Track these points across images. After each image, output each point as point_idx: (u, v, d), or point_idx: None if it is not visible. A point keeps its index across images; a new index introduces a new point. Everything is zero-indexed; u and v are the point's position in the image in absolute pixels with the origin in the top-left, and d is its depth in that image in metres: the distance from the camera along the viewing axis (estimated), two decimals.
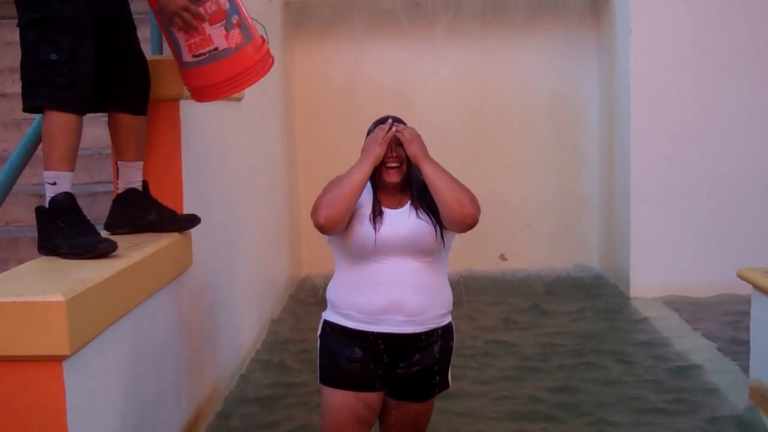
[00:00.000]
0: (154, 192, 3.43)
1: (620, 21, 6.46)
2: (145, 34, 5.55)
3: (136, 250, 3.03)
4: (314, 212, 2.88)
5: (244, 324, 4.89)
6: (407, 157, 2.96)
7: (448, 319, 2.99)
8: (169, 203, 3.47)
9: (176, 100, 3.57)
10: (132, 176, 3.33)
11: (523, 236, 7.33)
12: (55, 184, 2.96)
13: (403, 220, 2.87)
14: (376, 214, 2.88)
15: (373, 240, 2.84)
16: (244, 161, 5.01)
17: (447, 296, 2.97)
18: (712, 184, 6.24)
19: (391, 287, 2.85)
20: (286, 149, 6.61)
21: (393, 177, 2.95)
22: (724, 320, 5.61)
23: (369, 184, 2.97)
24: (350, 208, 2.84)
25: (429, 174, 2.84)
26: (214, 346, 4.12)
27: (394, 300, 2.84)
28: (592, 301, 6.34)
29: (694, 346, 5.09)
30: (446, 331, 2.97)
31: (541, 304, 6.25)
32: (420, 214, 2.89)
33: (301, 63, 7.26)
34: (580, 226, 7.30)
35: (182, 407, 3.54)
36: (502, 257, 7.31)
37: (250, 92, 5.00)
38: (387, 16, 7.13)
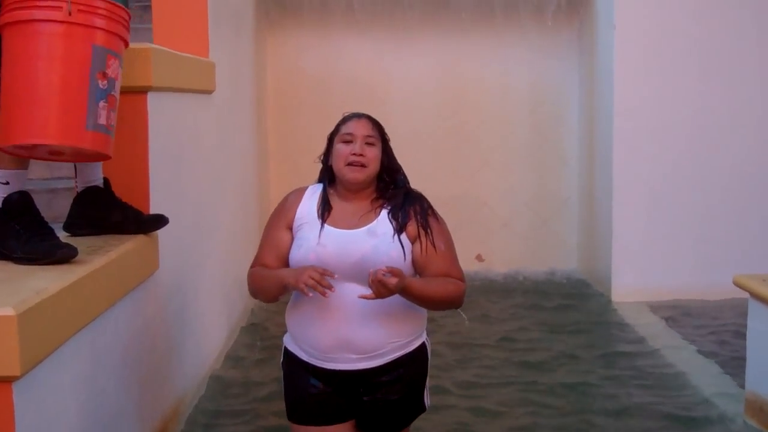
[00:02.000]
0: (118, 190, 3.19)
1: (602, 16, 6.29)
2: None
3: (99, 255, 2.79)
4: (247, 282, 2.73)
5: (212, 328, 4.65)
6: (384, 148, 2.72)
7: (417, 343, 2.70)
8: (135, 202, 3.23)
9: (144, 92, 3.33)
10: (91, 174, 3.08)
11: (500, 236, 7.14)
12: (7, 183, 2.72)
13: (358, 242, 2.57)
14: (317, 237, 2.60)
15: (312, 263, 2.54)
16: (215, 156, 4.76)
17: (412, 322, 2.66)
18: (698, 185, 6.09)
19: (338, 322, 2.57)
20: (258, 144, 6.37)
21: (354, 174, 2.65)
22: (713, 326, 5.46)
23: (320, 187, 2.76)
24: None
25: (413, 298, 2.54)
26: (181, 355, 3.88)
27: (341, 337, 2.57)
28: (572, 304, 6.15)
29: (681, 355, 4.90)
30: (415, 357, 2.68)
31: (518, 307, 6.07)
32: (385, 233, 2.59)
33: (274, 55, 7.01)
34: (559, 226, 7.13)
35: (146, 421, 3.29)
36: (479, 258, 7.12)
37: (221, 84, 4.79)
38: (362, 7, 6.90)
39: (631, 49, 6.00)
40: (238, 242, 5.51)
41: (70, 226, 3.13)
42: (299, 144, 6.84)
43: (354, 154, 2.64)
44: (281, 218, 2.74)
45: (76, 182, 3.14)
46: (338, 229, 2.63)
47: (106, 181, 3.13)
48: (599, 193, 6.44)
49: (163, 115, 3.54)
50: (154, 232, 3.30)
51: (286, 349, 2.74)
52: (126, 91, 3.15)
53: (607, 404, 4.15)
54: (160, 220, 3.23)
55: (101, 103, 2.38)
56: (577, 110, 7.01)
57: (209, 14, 4.63)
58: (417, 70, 7.05)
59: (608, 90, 6.11)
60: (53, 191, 4.45)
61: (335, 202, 2.71)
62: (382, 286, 2.42)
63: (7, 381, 2.07)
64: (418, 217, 2.65)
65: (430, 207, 2.72)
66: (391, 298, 2.49)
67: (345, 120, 2.76)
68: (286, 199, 2.80)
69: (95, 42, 2.43)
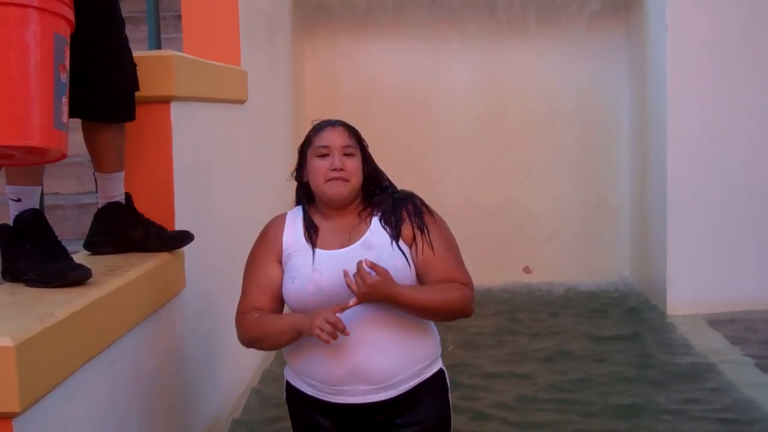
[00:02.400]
0: (141, 206, 3.02)
1: (654, 16, 6.00)
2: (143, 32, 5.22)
3: (116, 275, 2.61)
4: (238, 329, 2.47)
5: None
6: (364, 156, 2.47)
7: (435, 368, 2.46)
8: (159, 218, 3.06)
9: (167, 102, 3.16)
10: (113, 189, 2.90)
11: (548, 247, 6.87)
12: (19, 200, 2.55)
13: (355, 259, 2.29)
14: (310, 264, 2.35)
15: (308, 298, 2.34)
16: (249, 168, 4.58)
17: (428, 344, 2.43)
18: (757, 191, 5.75)
19: (346, 350, 2.31)
20: (295, 156, 6.18)
21: (337, 189, 2.40)
22: None
23: (300, 209, 2.52)
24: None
25: (408, 309, 2.32)
26: (213, 375, 3.69)
27: (353, 367, 2.32)
28: (625, 317, 5.87)
29: (746, 376, 4.56)
30: (435, 383, 2.45)
31: (566, 321, 5.80)
32: (382, 242, 2.35)
33: (312, 63, 6.85)
34: (610, 236, 6.84)
35: None
36: (526, 270, 6.87)
37: (254, 93, 4.62)
38: (402, 14, 6.71)
39: (685, 51, 5.69)
40: None
41: (91, 244, 2.96)
42: None
43: (333, 169, 2.40)
44: (267, 251, 2.48)
45: (97, 197, 2.99)
46: (330, 251, 2.39)
47: (128, 196, 2.96)
48: (652, 202, 6.14)
49: (188, 125, 3.37)
50: (180, 250, 3.12)
51: (288, 383, 2.51)
52: (148, 101, 3.02)
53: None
54: (184, 237, 3.05)
55: (63, 99, 2.14)
56: (627, 114, 6.73)
57: (240, 21, 4.47)
58: (459, 76, 6.83)
59: (661, 93, 5.82)
60: (83, 206, 4.33)
61: (320, 222, 2.47)
62: (365, 285, 2.22)
63: (7, 418, 1.88)
64: (412, 217, 2.42)
65: (424, 204, 2.48)
66: (400, 316, 2.31)
67: (317, 130, 2.50)
68: (266, 229, 2.55)
69: (57, 30, 2.12)
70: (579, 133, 6.83)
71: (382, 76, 6.83)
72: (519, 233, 6.82)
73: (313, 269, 2.36)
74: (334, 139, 2.45)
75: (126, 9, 5.49)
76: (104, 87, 2.77)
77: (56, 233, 3.97)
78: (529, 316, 5.97)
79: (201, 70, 3.60)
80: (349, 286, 2.25)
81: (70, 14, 2.17)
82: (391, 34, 6.80)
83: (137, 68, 2.89)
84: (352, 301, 2.26)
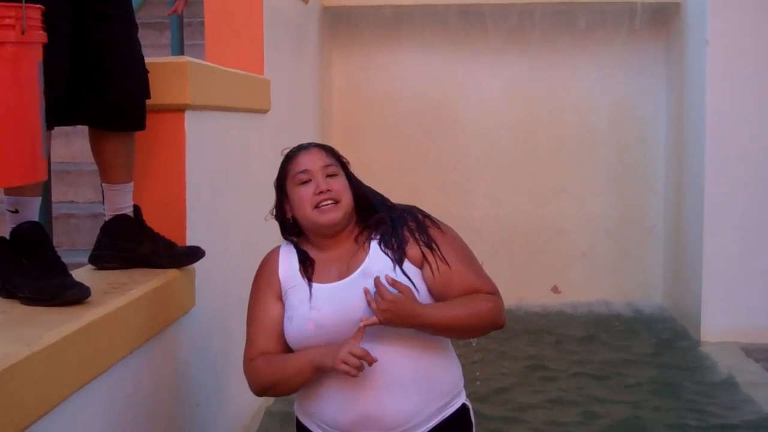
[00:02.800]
0: (151, 219, 2.87)
1: (694, 30, 5.79)
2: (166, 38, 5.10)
3: (118, 294, 2.46)
4: (249, 379, 2.26)
5: None
6: (347, 174, 2.27)
7: (457, 403, 2.23)
8: (170, 233, 2.91)
9: (181, 110, 3.01)
10: (121, 201, 2.76)
11: (578, 267, 6.66)
12: (17, 211, 2.41)
13: (354, 290, 2.11)
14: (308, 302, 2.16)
15: (309, 338, 2.15)
16: (269, 182, 4.40)
17: (448, 377, 2.21)
18: None
19: (357, 393, 2.10)
20: None
21: (330, 215, 2.19)
22: None
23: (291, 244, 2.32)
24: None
25: (436, 329, 2.12)
26: (224, 398, 3.53)
27: (365, 413, 2.11)
28: (656, 343, 5.65)
29: None
30: (458, 421, 2.22)
31: (595, 345, 5.59)
32: (383, 268, 2.12)
33: (339, 73, 6.70)
34: (643, 257, 6.62)
35: None
36: (555, 289, 6.66)
37: (278, 103, 4.47)
38: (432, 24, 6.54)
39: (726, 67, 5.47)
40: None
41: (96, 258, 2.82)
42: (366, 168, 6.41)
43: (320, 192, 2.19)
44: (266, 290, 2.27)
45: (104, 210, 2.84)
46: (328, 284, 2.18)
47: (136, 208, 2.82)
48: (688, 223, 5.92)
49: (204, 135, 3.22)
50: (190, 266, 2.96)
51: (298, 421, 2.30)
52: (161, 110, 2.88)
53: None
54: (195, 253, 2.90)
55: (44, 124, 1.99)
56: (663, 132, 6.51)
57: (265, 29, 4.33)
58: (490, 88, 6.66)
59: (699, 111, 5.60)
60: (98, 216, 4.17)
61: (315, 254, 2.26)
62: (385, 301, 2.03)
63: None
64: (416, 233, 2.19)
65: (427, 217, 2.26)
66: (415, 348, 2.11)
67: (291, 158, 2.31)
68: (262, 266, 2.35)
69: (39, 58, 1.98)
70: (613, 150, 6.63)
71: (412, 87, 6.67)
72: (549, 251, 6.61)
73: (311, 306, 2.17)
74: (311, 161, 2.25)
75: (153, 15, 5.44)
76: (113, 93, 2.64)
77: (68, 243, 3.86)
78: (556, 339, 5.75)
79: (219, 77, 3.45)
80: (369, 303, 2.07)
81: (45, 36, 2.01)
82: (420, 45, 6.64)
83: (149, 75, 2.74)
84: (371, 319, 2.08)
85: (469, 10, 6.46)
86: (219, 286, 3.40)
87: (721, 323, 5.52)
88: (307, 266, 2.24)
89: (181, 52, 4.17)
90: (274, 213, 2.40)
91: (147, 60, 2.80)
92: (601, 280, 6.60)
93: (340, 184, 2.22)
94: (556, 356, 5.35)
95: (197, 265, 2.99)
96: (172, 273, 2.82)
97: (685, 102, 6.00)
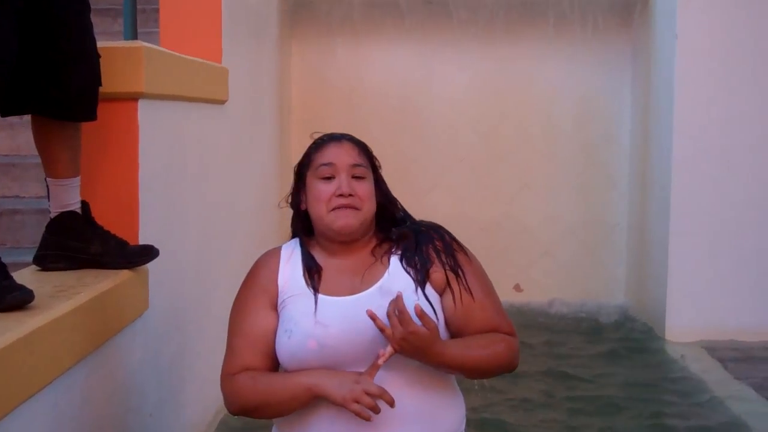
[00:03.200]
0: (101, 216, 2.67)
1: (662, 23, 5.68)
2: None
3: (64, 298, 2.26)
4: (228, 396, 1.99)
5: (221, 365, 4.11)
6: (376, 179, 2.04)
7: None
8: (121, 230, 2.71)
9: (134, 99, 2.80)
10: (67, 197, 2.56)
11: (540, 265, 6.54)
12: None
13: (366, 312, 1.85)
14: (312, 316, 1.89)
15: (309, 358, 1.89)
16: (228, 174, 4.23)
17: (453, 416, 1.99)
18: (766, 214, 5.44)
19: (356, 425, 1.84)
20: (279, 161, 5.84)
21: (345, 220, 1.95)
22: None
23: (297, 243, 2.07)
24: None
25: (451, 368, 1.92)
26: (179, 406, 3.34)
27: None
28: (619, 344, 5.55)
29: (746, 407, 4.25)
30: None
31: (557, 345, 5.48)
32: (404, 287, 1.90)
33: (299, 64, 6.50)
34: (606, 256, 6.51)
35: None
36: (517, 288, 6.53)
37: (236, 93, 4.27)
38: (395, 15, 6.37)
39: (696, 62, 5.37)
40: None
41: (41, 259, 2.62)
42: None
43: (340, 194, 1.95)
44: (259, 295, 1.99)
45: (49, 206, 2.63)
46: (338, 298, 1.93)
47: (84, 205, 2.62)
48: (653, 221, 5.83)
49: (159, 126, 3.01)
50: (144, 266, 2.77)
51: None
52: (113, 98, 2.67)
53: None
54: (148, 252, 2.71)
55: None
56: (628, 128, 6.41)
57: (223, 16, 4.12)
58: (454, 82, 6.51)
59: (667, 107, 5.50)
60: (45, 212, 3.95)
61: (323, 260, 2.01)
62: (407, 330, 1.78)
63: None
64: (443, 255, 1.99)
65: (454, 239, 2.06)
66: (419, 383, 1.88)
67: (319, 145, 2.06)
68: (256, 268, 2.06)
69: None
70: (577, 147, 6.51)
71: (374, 80, 6.50)
72: (511, 249, 6.49)
73: (316, 321, 1.90)
74: (340, 156, 2.01)
75: (104, 1, 5.20)
76: (67, 79, 2.42)
77: (13, 241, 3.63)
78: (519, 338, 5.61)
79: (175, 65, 3.24)
80: (382, 330, 1.81)
81: None
82: (383, 37, 6.47)
83: (100, 61, 2.54)
84: (388, 350, 1.82)
85: (434, 1, 6.30)
86: (174, 286, 3.21)
87: (686, 322, 5.44)
88: (313, 273, 1.98)
89: (134, 35, 3.95)
90: (289, 200, 2.12)
91: (98, 44, 2.60)
92: (563, 279, 6.49)
93: (365, 190, 1.99)
94: (520, 356, 5.21)
95: (150, 265, 2.80)
96: (123, 274, 2.63)
97: (651, 98, 5.91)
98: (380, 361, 1.83)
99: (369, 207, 1.99)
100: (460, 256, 2.02)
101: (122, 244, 2.65)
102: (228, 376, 2.00)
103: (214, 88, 3.92)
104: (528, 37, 6.41)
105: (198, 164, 3.66)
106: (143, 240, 2.81)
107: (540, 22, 6.31)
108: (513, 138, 6.51)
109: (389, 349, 1.83)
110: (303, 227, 2.08)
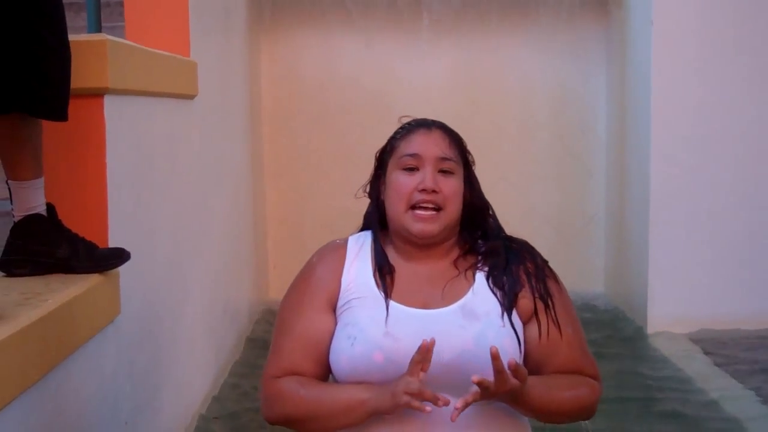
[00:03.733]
0: (69, 219, 2.55)
1: (637, 10, 5.61)
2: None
3: (31, 306, 2.14)
4: (269, 401, 1.77)
5: (197, 371, 4.00)
6: (467, 176, 1.86)
7: None
8: (89, 233, 2.58)
9: (100, 95, 2.67)
10: (31, 199, 2.42)
11: None
12: None
13: (450, 329, 1.68)
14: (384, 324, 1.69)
15: (372, 372, 1.68)
16: (198, 171, 4.10)
17: None
18: (747, 202, 5.39)
19: None
20: (251, 157, 5.72)
21: (424, 225, 1.75)
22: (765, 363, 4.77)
23: (368, 236, 1.87)
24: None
25: (530, 410, 1.72)
26: (155, 413, 3.22)
27: None
28: (601, 335, 5.48)
29: (739, 404, 4.18)
30: None
31: None
32: (489, 311, 1.71)
33: (269, 57, 6.36)
34: (584, 247, 6.45)
35: None
36: None
37: (205, 88, 4.15)
38: (365, 7, 6.27)
39: (672, 49, 5.30)
40: (228, 268, 4.87)
41: (6, 264, 2.49)
42: (299, 157, 6.22)
43: (423, 189, 1.76)
44: (318, 294, 1.77)
45: (12, 209, 2.50)
46: (412, 309, 1.72)
47: (50, 207, 2.49)
48: (631, 211, 5.77)
49: (126, 123, 2.89)
50: (114, 270, 2.64)
51: None
52: (77, 95, 2.53)
53: None
54: (119, 255, 2.58)
55: None
56: (604, 117, 6.35)
57: (190, 8, 3.99)
58: (427, 74, 6.40)
59: (644, 95, 5.44)
60: (8, 215, 3.82)
61: (396, 260, 1.80)
62: (503, 389, 1.57)
63: None
64: (533, 281, 1.80)
65: (546, 263, 1.87)
66: (494, 412, 1.68)
67: (406, 131, 1.88)
68: (319, 264, 1.83)
69: None
70: (552, 137, 6.44)
71: (344, 73, 6.37)
72: None
73: (386, 332, 1.69)
74: (428, 146, 1.82)
75: None
76: (47, 71, 2.29)
77: None
78: None
79: (142, 58, 3.11)
80: (480, 384, 1.56)
81: None
82: (353, 29, 6.35)
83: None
84: (468, 399, 1.59)
85: None
86: (147, 290, 3.09)
87: (667, 312, 5.38)
88: (385, 274, 1.77)
89: (98, 26, 3.81)
90: (368, 190, 1.92)
91: None
92: None
93: (451, 188, 1.78)
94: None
95: (122, 269, 2.67)
96: (93, 279, 2.50)
97: (627, 85, 5.85)
98: (453, 415, 1.58)
99: (453, 208, 1.80)
100: (551, 284, 1.83)
101: (91, 247, 2.52)
102: (271, 378, 1.78)
103: (182, 82, 3.79)
104: (501, 26, 6.32)
105: (168, 161, 3.54)
106: (113, 242, 2.69)
107: (513, 11, 6.24)
108: (488, 130, 6.41)
109: (471, 396, 1.60)
110: (379, 220, 1.87)
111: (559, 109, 6.41)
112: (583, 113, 6.41)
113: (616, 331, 5.56)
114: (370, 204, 1.92)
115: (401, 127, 1.91)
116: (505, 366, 1.60)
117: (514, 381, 1.60)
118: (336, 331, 1.76)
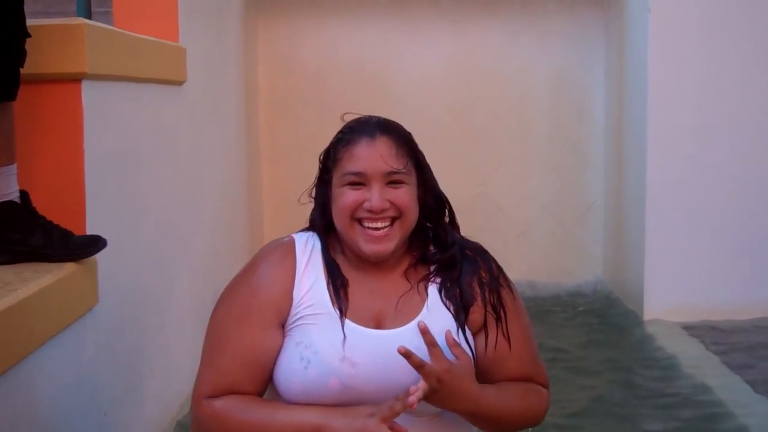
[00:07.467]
0: (44, 207, 2.50)
1: None
2: None
3: (2, 294, 2.10)
4: (204, 424, 1.64)
5: (187, 361, 3.95)
6: (420, 176, 1.72)
7: None
8: (66, 221, 2.54)
9: (77, 80, 2.63)
10: (4, 186, 2.38)
11: (517, 245, 6.41)
12: None
13: (398, 348, 1.55)
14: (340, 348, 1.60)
15: (327, 398, 1.59)
16: (187, 159, 4.06)
17: None
18: (743, 191, 5.33)
19: None
20: (246, 144, 5.68)
21: (376, 245, 1.64)
22: (760, 352, 4.72)
23: (316, 240, 1.75)
24: None
25: (481, 419, 1.66)
26: (137, 403, 3.19)
27: None
28: (598, 322, 5.48)
29: (723, 383, 4.20)
30: None
31: (534, 326, 5.34)
32: (443, 328, 1.62)
33: (265, 43, 6.31)
34: (583, 234, 6.41)
35: None
36: None
37: (195, 74, 4.10)
38: None
39: (670, 36, 5.22)
40: (221, 256, 4.83)
41: None
42: (296, 142, 6.17)
43: (371, 210, 1.64)
44: (265, 307, 1.63)
45: None
46: (367, 329, 1.61)
47: (23, 194, 2.45)
48: (629, 199, 5.72)
49: (106, 108, 2.84)
50: (92, 258, 2.60)
51: None
52: (53, 80, 2.50)
53: None
54: (94, 243, 2.54)
55: None
56: (602, 105, 6.29)
57: None
58: (425, 60, 6.34)
59: (641, 83, 5.37)
60: None
61: (347, 271, 1.69)
62: (441, 368, 1.52)
63: None
64: (486, 292, 1.72)
65: (501, 272, 1.77)
66: (444, 425, 1.62)
67: (348, 141, 1.71)
68: (266, 268, 1.67)
69: None
70: (551, 125, 6.38)
71: (343, 58, 6.31)
72: (486, 229, 6.35)
73: (343, 357, 1.58)
74: (372, 161, 1.66)
75: None
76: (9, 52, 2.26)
77: None
78: None
79: (124, 44, 3.07)
80: (420, 367, 1.51)
81: None
82: (352, 13, 6.29)
83: (32, 41, 2.36)
84: (421, 386, 1.53)
85: None
86: (128, 279, 3.05)
87: (664, 301, 5.34)
88: (338, 288, 1.64)
89: (87, 12, 3.78)
90: (313, 195, 1.80)
91: (36, 23, 2.43)
92: (539, 258, 6.39)
93: (405, 197, 1.65)
94: None
95: (99, 257, 2.64)
96: (68, 267, 2.47)
97: (625, 73, 5.78)
98: (412, 399, 1.51)
99: (408, 217, 1.68)
100: (505, 295, 1.75)
101: (66, 235, 2.49)
102: (202, 400, 1.65)
103: (170, 68, 3.74)
104: (501, 13, 6.26)
105: (155, 148, 3.50)
106: (91, 231, 2.65)
107: None
108: (486, 117, 6.37)
109: (422, 384, 1.54)
110: (326, 225, 1.75)
111: (557, 97, 6.35)
112: (582, 101, 6.35)
113: (612, 318, 5.54)
114: (315, 209, 1.80)
115: (342, 134, 1.77)
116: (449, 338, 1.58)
117: (450, 360, 1.55)
118: (285, 347, 1.65)
